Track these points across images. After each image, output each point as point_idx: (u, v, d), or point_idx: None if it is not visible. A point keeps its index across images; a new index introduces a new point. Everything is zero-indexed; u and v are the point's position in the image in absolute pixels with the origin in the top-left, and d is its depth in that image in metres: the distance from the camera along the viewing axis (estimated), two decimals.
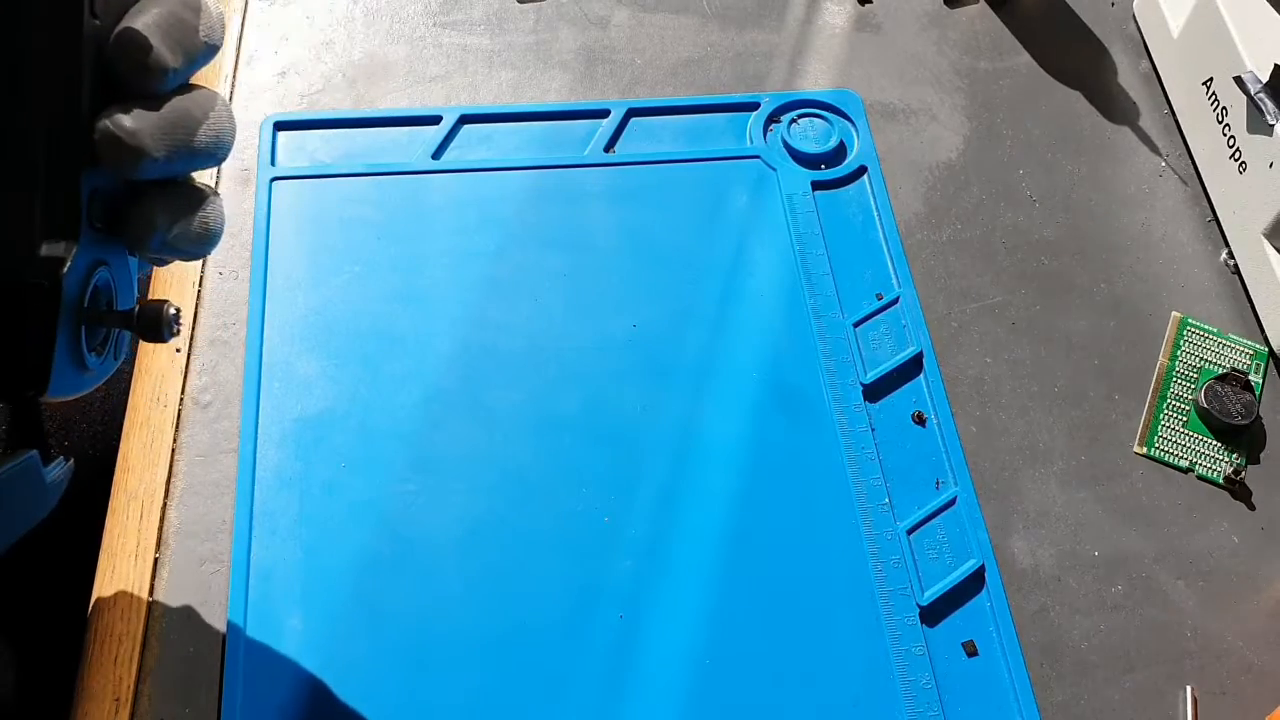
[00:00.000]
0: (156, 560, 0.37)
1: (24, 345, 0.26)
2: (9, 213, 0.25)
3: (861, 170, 0.48)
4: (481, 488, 0.39)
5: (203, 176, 0.46)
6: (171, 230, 0.28)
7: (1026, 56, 0.53)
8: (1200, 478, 0.42)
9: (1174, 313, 0.45)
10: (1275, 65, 0.43)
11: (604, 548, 0.38)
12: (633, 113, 0.49)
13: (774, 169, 0.47)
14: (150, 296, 0.43)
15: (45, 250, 0.26)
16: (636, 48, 0.52)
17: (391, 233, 0.44)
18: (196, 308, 0.42)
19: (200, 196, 0.29)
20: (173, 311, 0.29)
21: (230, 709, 0.34)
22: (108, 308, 0.29)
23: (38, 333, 0.26)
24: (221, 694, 0.34)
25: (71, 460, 0.32)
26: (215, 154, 0.28)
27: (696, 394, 0.41)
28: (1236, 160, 0.46)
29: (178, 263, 0.44)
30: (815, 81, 0.51)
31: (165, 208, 0.28)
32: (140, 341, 0.42)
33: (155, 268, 0.43)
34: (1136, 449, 0.42)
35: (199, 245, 0.29)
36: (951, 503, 0.40)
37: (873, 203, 0.47)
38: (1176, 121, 0.51)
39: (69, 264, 0.26)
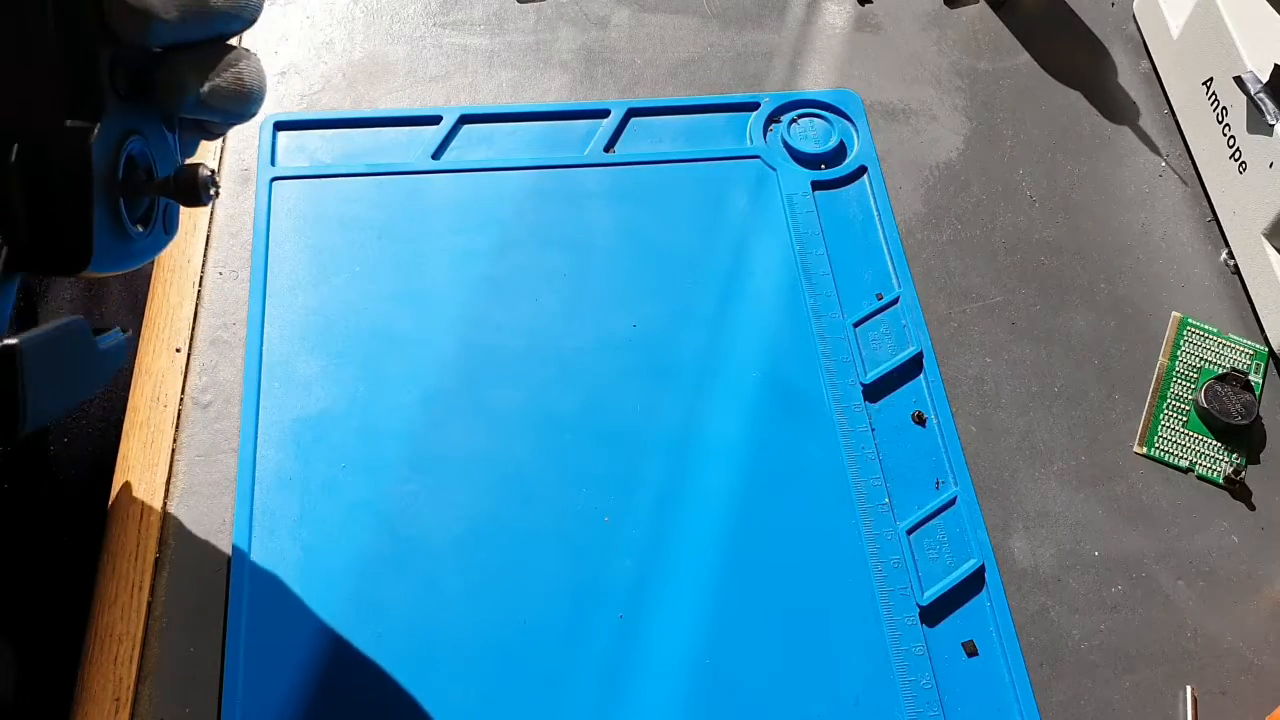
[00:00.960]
0: (156, 560, 0.37)
1: (61, 218, 0.26)
2: (30, 88, 0.25)
3: (861, 170, 0.48)
4: (481, 487, 0.39)
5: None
6: (204, 88, 0.27)
7: (1026, 56, 0.53)
8: (1200, 478, 0.42)
9: (1174, 313, 0.45)
10: (1275, 65, 0.43)
11: (604, 548, 0.38)
12: (633, 113, 0.49)
13: (774, 169, 0.47)
14: (151, 294, 0.43)
15: (70, 123, 0.25)
16: (636, 48, 0.52)
17: (391, 233, 0.44)
18: (197, 308, 0.42)
19: (231, 53, 0.28)
20: (208, 173, 0.29)
21: (230, 709, 0.34)
22: (147, 178, 0.28)
23: (72, 205, 0.26)
24: (221, 694, 0.35)
25: (129, 331, 0.31)
26: (240, 14, 0.28)
27: (696, 394, 0.41)
28: (1236, 160, 0.46)
29: (177, 261, 0.44)
30: (815, 81, 0.51)
31: (193, 67, 0.27)
32: (142, 344, 0.42)
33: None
34: (1136, 449, 0.42)
35: (237, 103, 0.28)
36: (951, 503, 0.40)
37: (873, 203, 0.47)
38: (1176, 121, 0.51)
39: (95, 134, 0.25)
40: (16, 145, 0.25)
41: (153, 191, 0.28)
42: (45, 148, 0.25)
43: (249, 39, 0.50)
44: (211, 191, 0.29)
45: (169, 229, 0.30)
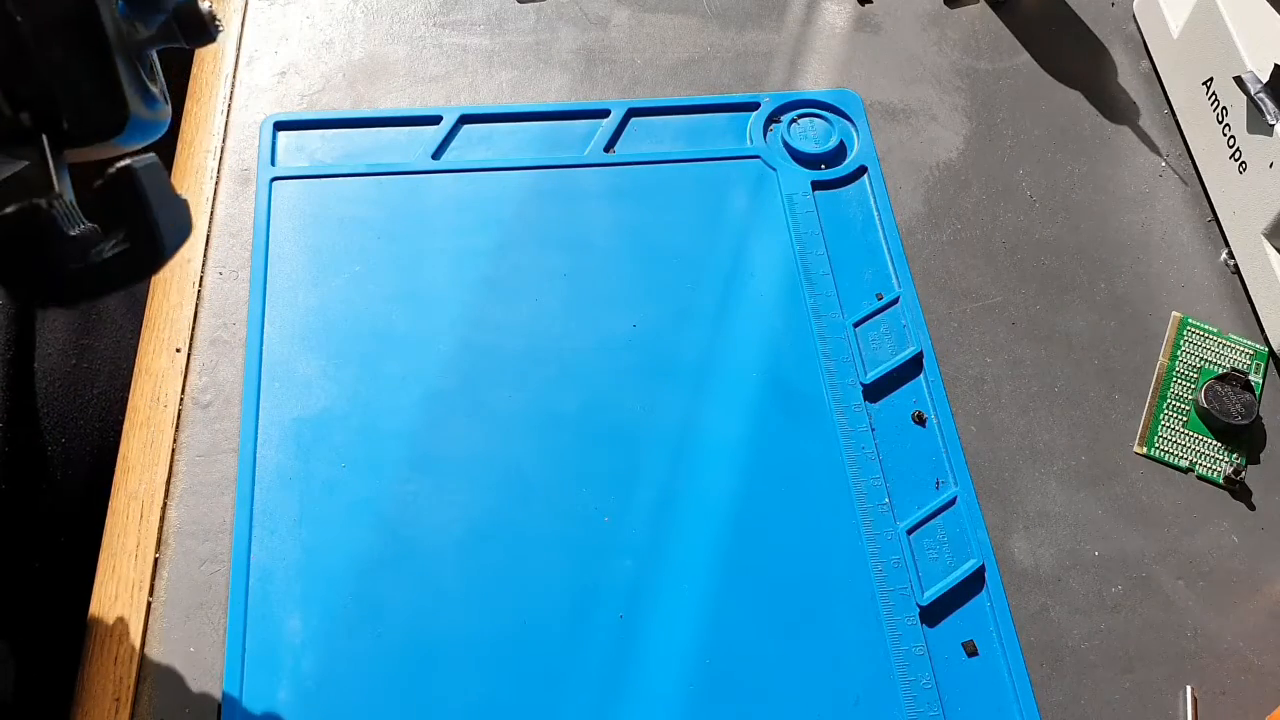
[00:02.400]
0: (156, 560, 0.37)
1: (88, 75, 0.25)
2: None
3: (861, 170, 0.48)
4: (481, 487, 0.39)
5: (204, 178, 0.46)
6: None
7: (1026, 56, 0.53)
8: (1200, 478, 0.42)
9: (1174, 313, 0.45)
10: (1275, 65, 0.43)
11: (604, 547, 0.38)
12: (633, 113, 0.49)
13: (774, 169, 0.47)
14: (151, 295, 0.43)
15: None
16: (636, 48, 0.52)
17: (391, 233, 0.44)
18: (197, 308, 0.42)
19: None
20: (207, 6, 0.28)
21: (230, 709, 0.34)
22: (144, 29, 0.28)
23: (95, 58, 0.25)
24: (222, 694, 0.35)
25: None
26: None
27: (696, 394, 0.41)
28: (1236, 160, 0.46)
29: (177, 260, 0.44)
30: (815, 81, 0.51)
31: None
32: (142, 345, 0.42)
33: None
34: (1136, 449, 0.42)
35: None
36: (951, 503, 0.40)
37: (873, 203, 0.47)
38: (1176, 121, 0.51)
39: None
40: (20, 13, 0.24)
41: (157, 39, 0.28)
42: (49, 4, 0.25)
43: (250, 38, 0.50)
44: (217, 23, 0.29)
45: (166, 98, 0.30)
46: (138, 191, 0.25)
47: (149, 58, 0.29)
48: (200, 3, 0.28)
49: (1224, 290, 0.47)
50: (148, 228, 0.25)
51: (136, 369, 0.41)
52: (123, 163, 0.24)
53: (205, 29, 0.28)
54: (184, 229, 0.27)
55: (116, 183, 0.25)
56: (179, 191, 0.27)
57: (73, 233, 0.24)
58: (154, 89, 0.28)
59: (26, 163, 0.25)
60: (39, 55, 0.25)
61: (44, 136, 0.25)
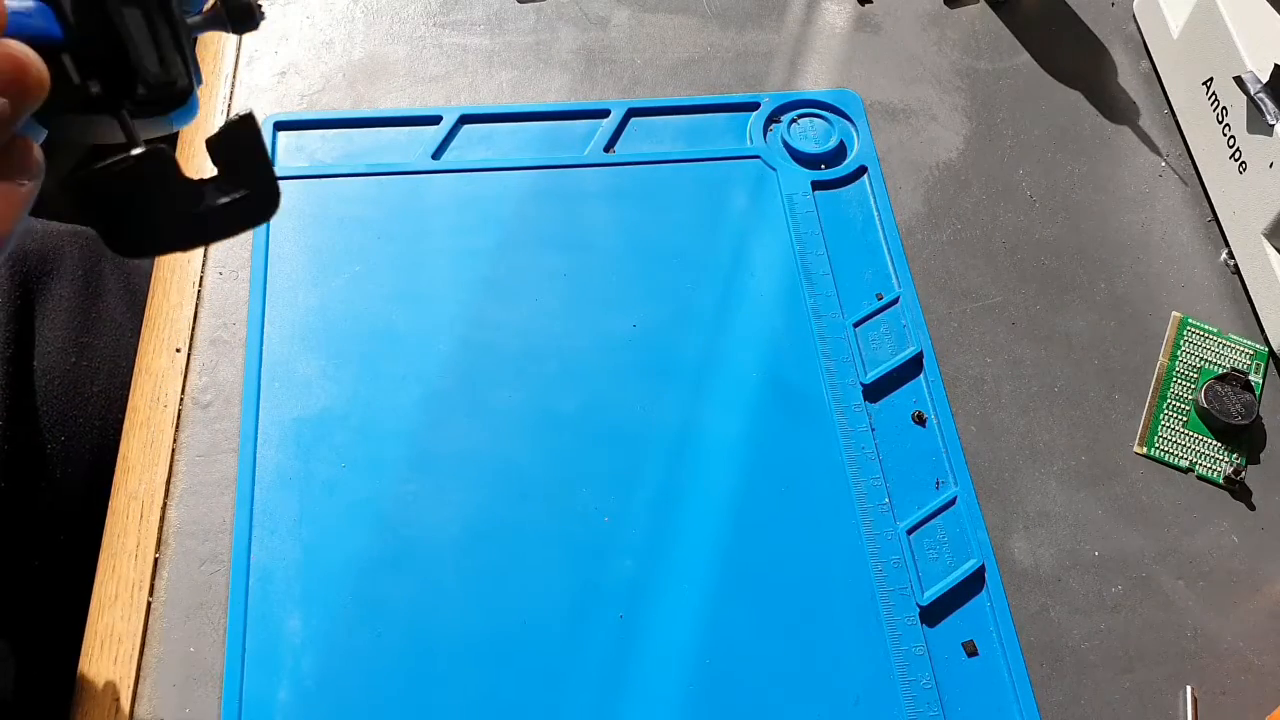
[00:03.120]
0: (156, 560, 0.37)
1: (165, 46, 0.26)
2: None
3: (861, 170, 0.48)
4: (481, 487, 0.39)
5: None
6: None
7: (1026, 56, 0.53)
8: (1200, 478, 0.42)
9: (1174, 313, 0.45)
10: (1275, 65, 0.43)
11: (604, 547, 0.38)
12: (633, 113, 0.49)
13: (774, 169, 0.47)
14: (151, 294, 0.43)
15: None
16: (636, 48, 0.52)
17: (391, 233, 0.44)
18: (197, 308, 0.42)
19: None
20: None
21: (230, 709, 0.34)
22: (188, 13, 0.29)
23: (169, 30, 0.26)
24: (222, 694, 0.35)
25: None
26: None
27: (696, 394, 0.41)
28: (1236, 160, 0.46)
29: (177, 260, 0.43)
30: (815, 81, 0.51)
31: None
32: (142, 344, 0.42)
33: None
34: (1136, 449, 0.42)
35: None
36: (951, 503, 0.40)
37: (873, 203, 0.47)
38: (1176, 121, 0.51)
39: None
40: None
41: (203, 25, 0.29)
42: None
43: (250, 38, 0.50)
44: (262, 11, 0.29)
45: (199, 81, 0.31)
46: (258, 136, 0.26)
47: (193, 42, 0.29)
48: None
49: (1224, 290, 0.47)
50: (268, 171, 0.26)
51: (136, 369, 0.41)
52: (241, 111, 0.26)
53: (251, 16, 0.29)
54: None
55: (240, 125, 0.26)
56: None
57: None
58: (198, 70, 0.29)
59: (104, 126, 0.26)
60: (118, 19, 0.25)
61: (124, 102, 0.26)
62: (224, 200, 0.26)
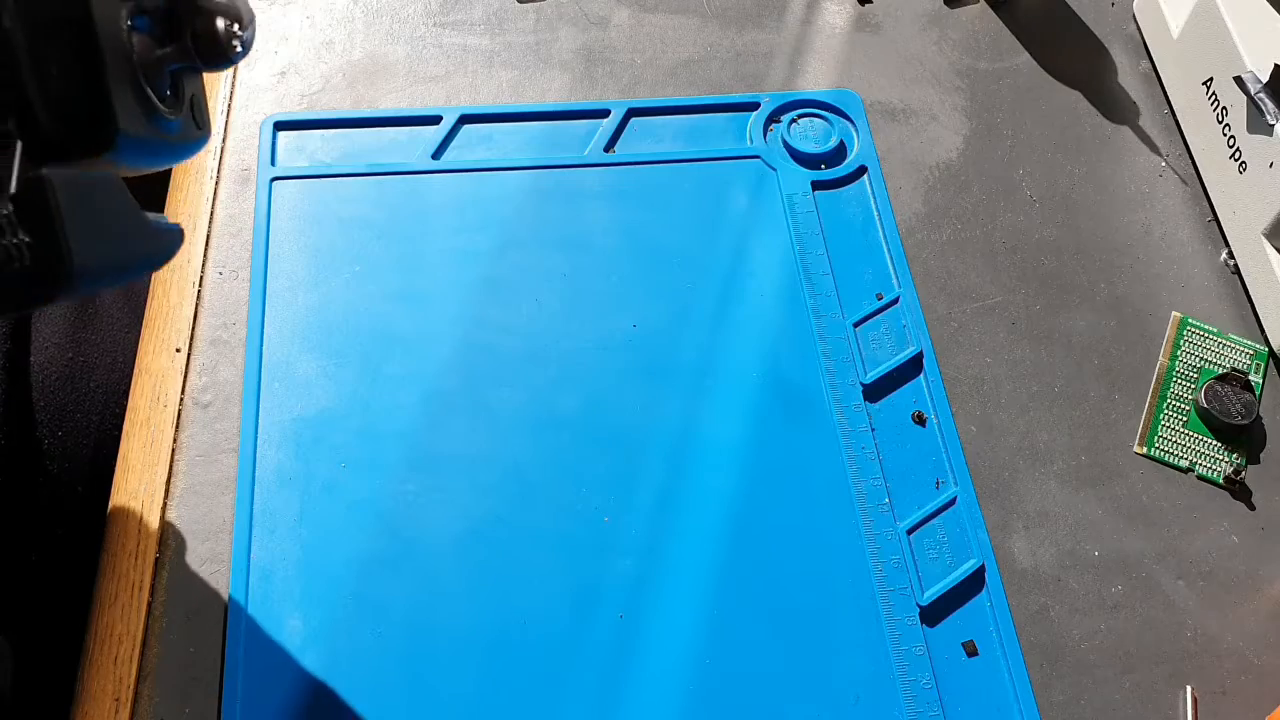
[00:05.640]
0: (156, 560, 0.37)
1: (73, 81, 0.23)
2: None
3: (861, 170, 0.48)
4: (481, 487, 0.39)
5: (204, 178, 0.46)
6: None
7: (1026, 56, 0.53)
8: (1200, 478, 0.42)
9: (1174, 313, 0.45)
10: (1275, 65, 0.43)
11: (604, 548, 0.38)
12: (633, 113, 0.49)
13: (774, 169, 0.47)
14: (151, 294, 0.43)
15: None
16: (636, 48, 0.52)
17: (391, 232, 0.44)
18: (197, 308, 0.42)
19: None
20: (223, 25, 0.26)
21: (230, 709, 0.34)
22: (159, 47, 0.26)
23: (83, 63, 0.24)
24: (221, 694, 0.35)
25: (180, 227, 0.29)
26: None
27: (696, 394, 0.41)
28: (1236, 160, 0.46)
29: (177, 260, 0.43)
30: (815, 81, 0.51)
31: None
32: (142, 344, 0.42)
33: None
34: (1136, 449, 0.42)
35: None
36: (951, 503, 0.40)
37: (873, 203, 0.47)
38: (1176, 121, 0.51)
39: None
40: (7, 5, 0.22)
41: (170, 57, 0.26)
42: (40, 5, 0.23)
43: None
44: (237, 46, 0.26)
45: (201, 124, 0.29)
46: (47, 203, 0.23)
47: (173, 78, 0.27)
48: (217, 21, 0.26)
49: (1224, 290, 0.47)
50: (53, 240, 0.23)
51: (136, 369, 0.41)
52: (43, 171, 0.23)
53: (220, 47, 0.26)
54: (140, 256, 0.25)
55: (26, 189, 0.23)
56: (183, 199, 0.26)
57: None
58: (168, 109, 0.27)
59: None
60: (22, 55, 0.23)
61: (18, 141, 0.23)
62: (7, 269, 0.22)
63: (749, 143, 0.48)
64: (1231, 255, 0.47)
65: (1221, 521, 0.41)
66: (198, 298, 0.43)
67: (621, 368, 0.42)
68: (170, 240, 0.28)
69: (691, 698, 0.35)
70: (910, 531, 0.39)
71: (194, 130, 0.28)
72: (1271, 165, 0.43)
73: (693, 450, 0.40)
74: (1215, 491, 0.41)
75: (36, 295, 0.23)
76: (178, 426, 0.40)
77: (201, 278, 0.43)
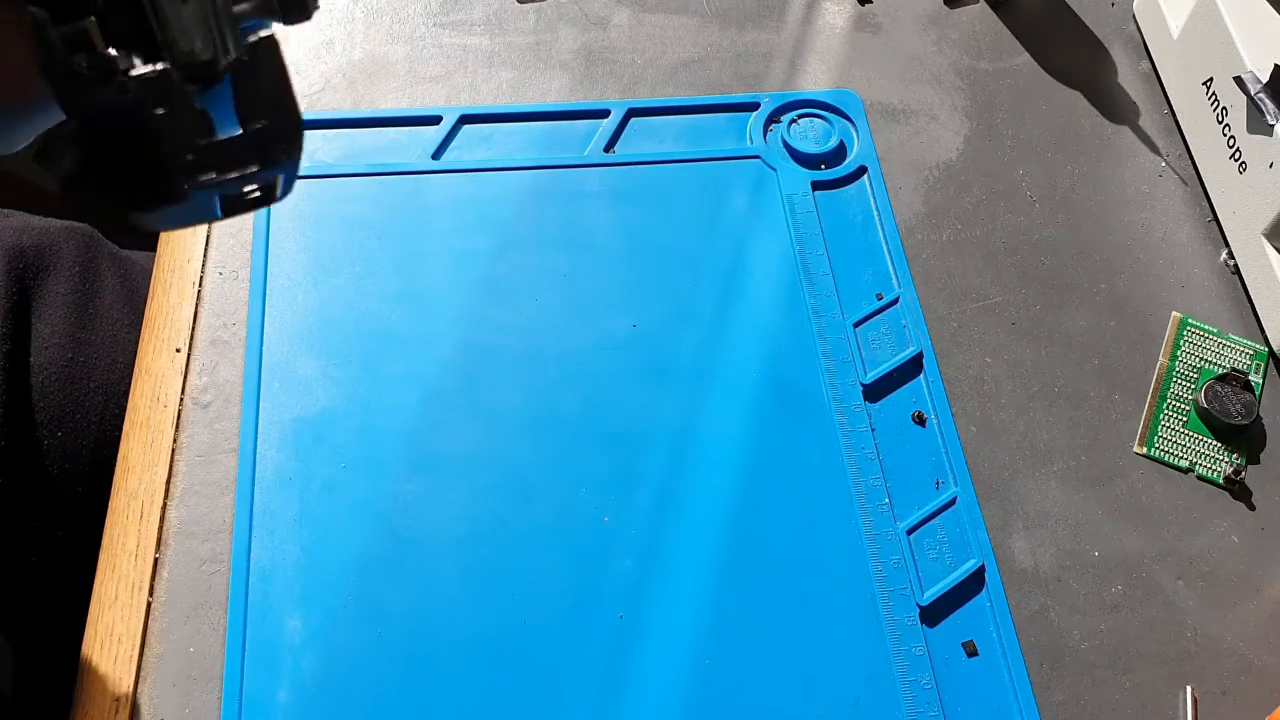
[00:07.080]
0: (156, 560, 0.37)
1: (197, 23, 0.23)
2: None
3: (861, 170, 0.48)
4: (481, 488, 0.39)
5: None
6: None
7: (1026, 56, 0.53)
8: (1200, 478, 0.42)
9: (1174, 313, 0.45)
10: (1275, 65, 0.43)
11: (604, 547, 0.38)
12: (633, 113, 0.49)
13: (774, 169, 0.47)
14: (151, 294, 0.43)
15: None
16: (636, 48, 0.52)
17: (391, 233, 0.44)
18: (197, 308, 0.42)
19: None
20: None
21: (230, 709, 0.34)
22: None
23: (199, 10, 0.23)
24: (221, 694, 0.35)
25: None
26: None
27: (696, 394, 0.41)
28: (1236, 160, 0.46)
29: (177, 260, 0.43)
30: (815, 81, 0.51)
31: None
32: (142, 344, 0.42)
33: None
34: (1136, 449, 0.42)
35: None
36: (951, 503, 0.40)
37: (873, 203, 0.47)
38: (1176, 121, 0.51)
39: None
40: None
41: (252, 13, 0.26)
42: None
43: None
44: (316, 2, 0.27)
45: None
46: (280, 61, 0.23)
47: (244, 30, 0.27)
48: None
49: (1224, 290, 0.47)
50: (290, 99, 0.23)
51: (136, 369, 0.41)
52: (264, 32, 0.23)
53: (304, 4, 0.27)
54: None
55: (259, 51, 0.23)
56: None
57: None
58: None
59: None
60: None
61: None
62: (245, 132, 0.23)
63: (749, 143, 0.48)
64: (1231, 255, 0.47)
65: (1221, 522, 0.41)
66: (198, 298, 0.43)
67: (621, 367, 0.42)
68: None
69: (691, 698, 0.35)
70: (910, 532, 0.39)
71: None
72: (1271, 165, 0.43)
73: (693, 450, 0.40)
74: (1215, 492, 0.41)
75: (280, 149, 0.23)
76: (178, 426, 0.40)
77: (201, 278, 0.43)
